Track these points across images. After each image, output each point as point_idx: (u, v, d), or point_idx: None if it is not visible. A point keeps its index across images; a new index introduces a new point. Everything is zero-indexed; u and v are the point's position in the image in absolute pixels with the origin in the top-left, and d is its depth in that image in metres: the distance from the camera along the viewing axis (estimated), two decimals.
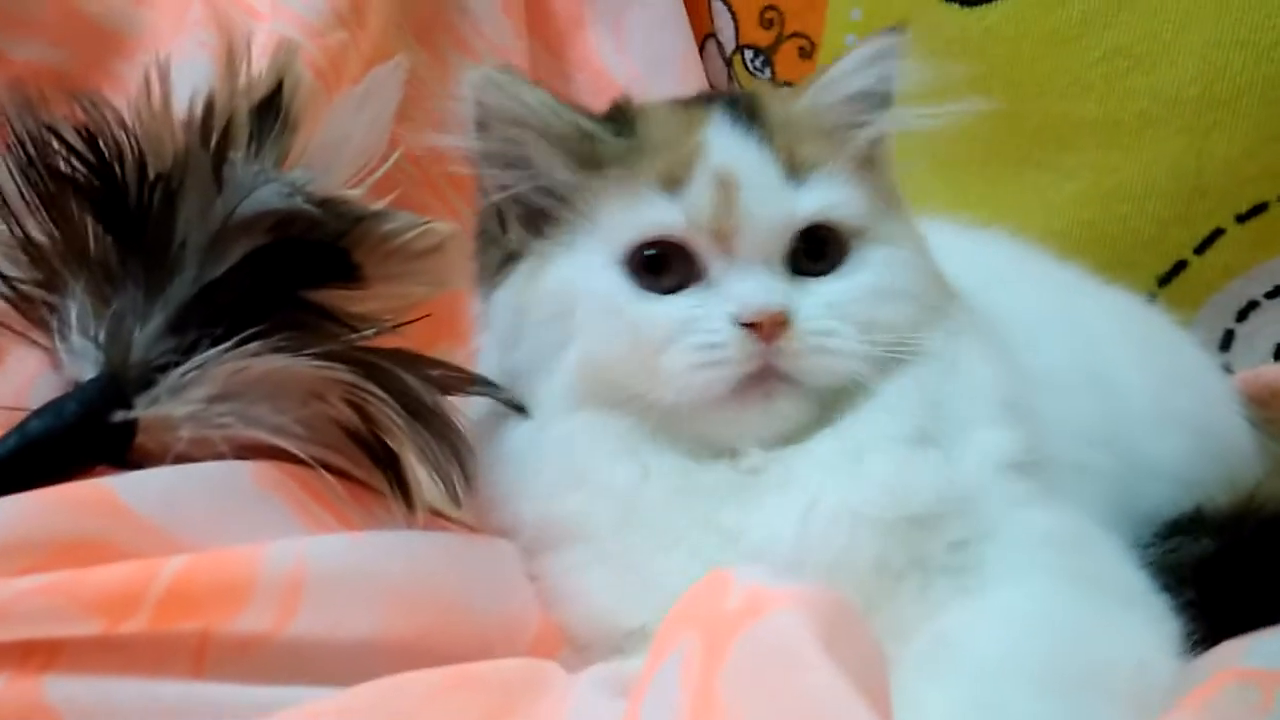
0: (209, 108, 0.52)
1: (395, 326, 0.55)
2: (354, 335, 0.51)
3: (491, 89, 0.54)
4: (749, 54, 1.08)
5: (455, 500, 0.54)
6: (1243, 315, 0.92)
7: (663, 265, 0.52)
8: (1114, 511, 0.58)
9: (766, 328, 0.49)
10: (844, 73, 0.55)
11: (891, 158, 0.57)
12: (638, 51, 1.02)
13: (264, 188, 0.49)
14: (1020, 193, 0.97)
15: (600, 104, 0.58)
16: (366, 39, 0.82)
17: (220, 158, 0.50)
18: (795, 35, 1.07)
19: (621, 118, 0.56)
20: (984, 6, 0.98)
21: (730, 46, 1.08)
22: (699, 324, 0.50)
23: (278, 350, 0.49)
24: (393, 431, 0.50)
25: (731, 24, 1.08)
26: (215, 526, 0.46)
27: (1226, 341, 0.93)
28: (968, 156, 0.95)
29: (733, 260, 0.51)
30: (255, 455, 0.49)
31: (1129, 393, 0.65)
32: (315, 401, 0.50)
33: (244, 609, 0.43)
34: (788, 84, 0.92)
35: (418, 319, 0.56)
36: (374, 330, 0.54)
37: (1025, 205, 0.96)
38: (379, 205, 0.53)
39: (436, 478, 0.53)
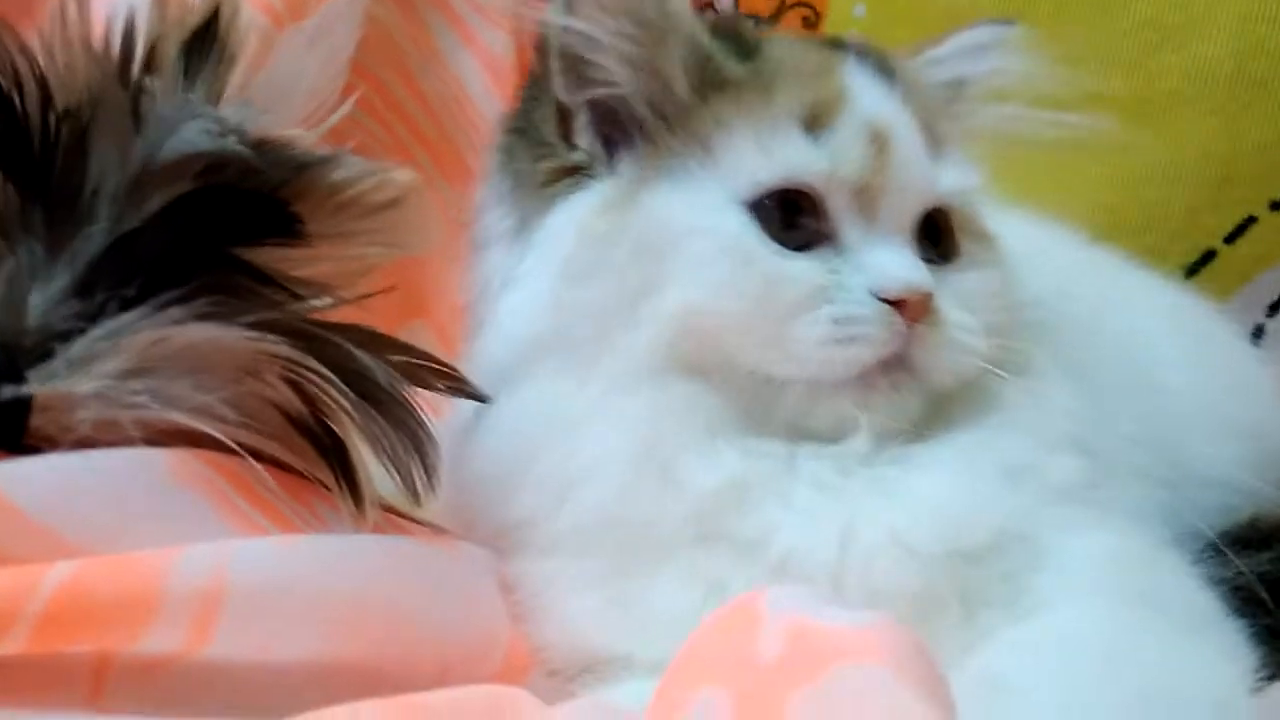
0: (129, 33, 0.44)
1: (355, 300, 0.47)
2: (297, 304, 0.44)
3: None
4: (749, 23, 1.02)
5: (415, 497, 0.47)
6: (1275, 309, 0.89)
7: (794, 218, 0.45)
8: (1162, 522, 0.51)
9: (912, 308, 0.44)
10: (946, 55, 0.51)
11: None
12: None
13: (189, 125, 0.42)
14: (1036, 173, 0.92)
15: None
16: None
17: (139, 90, 0.43)
18: (799, 4, 1.01)
19: (739, 39, 0.48)
20: None
21: None
22: (836, 293, 0.44)
23: (204, 317, 0.41)
24: (339, 416, 0.43)
25: None
26: (120, 528, 0.38)
27: (1256, 336, 0.88)
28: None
29: (870, 227, 0.45)
30: (174, 442, 0.41)
31: (1178, 392, 0.60)
32: (248, 379, 0.42)
33: (149, 626, 0.36)
34: None
35: (381, 291, 0.49)
36: (327, 302, 0.46)
37: (1041, 186, 0.91)
38: (327, 151, 0.45)
39: (394, 471, 0.46)
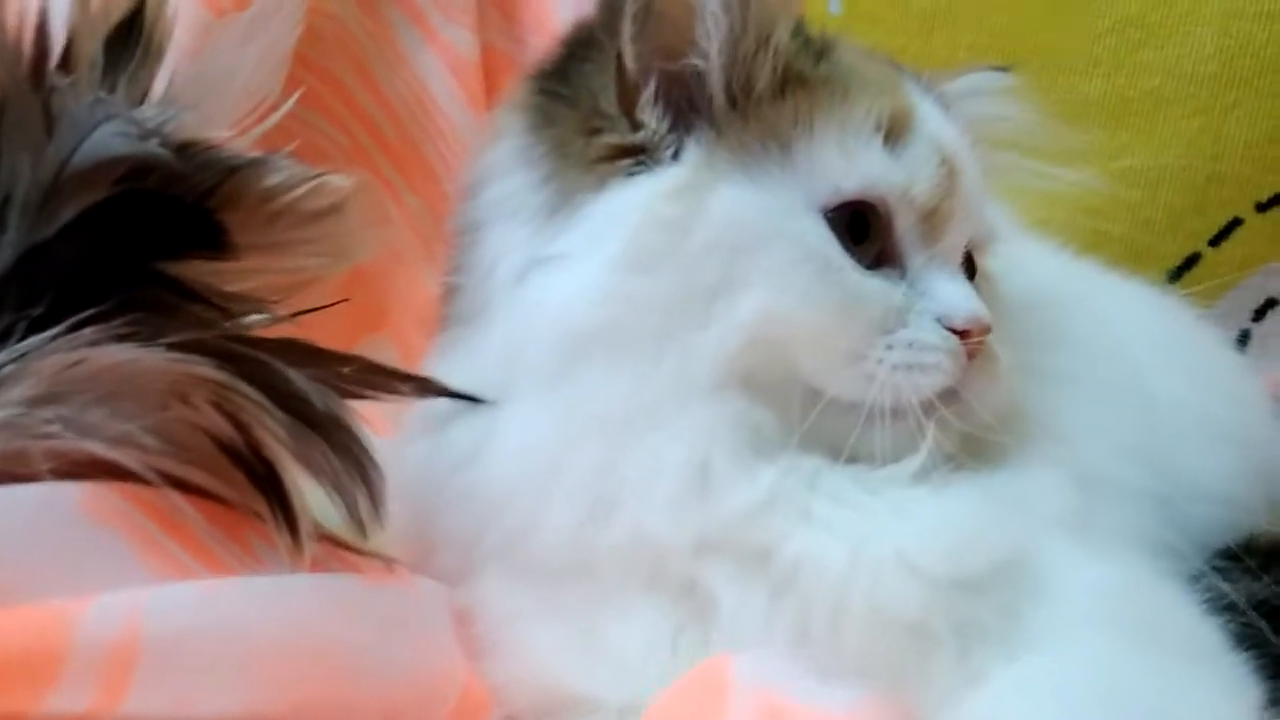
0: (42, 28, 0.40)
1: (298, 315, 0.44)
2: (229, 321, 0.40)
3: None
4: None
5: (361, 527, 0.43)
6: (1260, 314, 0.88)
7: (865, 234, 0.43)
8: (1157, 538, 0.49)
9: (974, 340, 0.43)
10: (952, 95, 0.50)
11: None
12: None
13: (104, 127, 0.38)
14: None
15: None
16: None
17: (52, 89, 0.39)
18: None
19: (810, 39, 0.46)
20: None
21: None
22: (909, 317, 0.43)
23: (123, 338, 0.38)
24: (271, 443, 0.39)
25: None
26: (28, 573, 0.34)
27: (1242, 341, 0.87)
28: None
29: (931, 253, 0.44)
30: (91, 475, 0.38)
31: (1167, 402, 0.57)
32: (174, 404, 0.38)
33: (55, 685, 0.32)
34: None
35: (332, 304, 0.45)
36: (263, 317, 0.43)
37: (1021, 190, 0.89)
38: (258, 154, 0.42)
39: (339, 500, 0.42)
